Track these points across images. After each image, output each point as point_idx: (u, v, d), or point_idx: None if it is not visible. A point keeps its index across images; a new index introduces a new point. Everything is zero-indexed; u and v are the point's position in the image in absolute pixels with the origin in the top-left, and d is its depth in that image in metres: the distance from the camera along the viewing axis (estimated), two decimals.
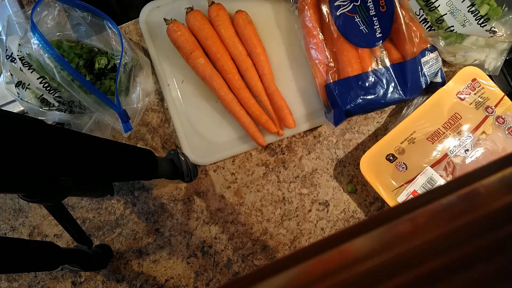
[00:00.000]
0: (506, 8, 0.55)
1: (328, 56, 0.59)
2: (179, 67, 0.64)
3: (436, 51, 0.59)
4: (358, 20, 0.56)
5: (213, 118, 0.63)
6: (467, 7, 0.54)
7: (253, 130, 0.60)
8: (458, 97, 0.59)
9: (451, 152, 0.57)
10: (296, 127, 0.61)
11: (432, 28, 0.57)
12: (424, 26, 0.58)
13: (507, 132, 0.58)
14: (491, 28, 0.53)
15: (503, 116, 0.58)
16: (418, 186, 0.57)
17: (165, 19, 0.61)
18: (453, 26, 0.55)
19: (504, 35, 0.56)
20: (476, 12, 0.53)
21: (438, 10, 0.55)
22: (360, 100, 0.57)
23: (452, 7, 0.55)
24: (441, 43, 0.59)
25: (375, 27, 0.56)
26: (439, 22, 0.56)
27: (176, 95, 0.64)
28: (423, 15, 0.58)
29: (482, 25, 0.54)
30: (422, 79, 0.58)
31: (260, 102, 0.61)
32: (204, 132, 0.63)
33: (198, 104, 0.64)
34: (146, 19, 0.65)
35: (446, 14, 0.55)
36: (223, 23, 0.61)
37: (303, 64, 0.64)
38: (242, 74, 0.61)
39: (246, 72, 0.60)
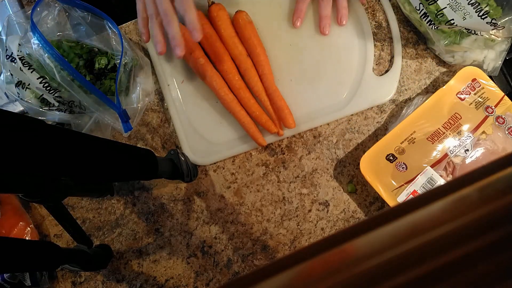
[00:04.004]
0: (506, 8, 0.55)
1: None
2: (179, 67, 0.64)
3: None
4: None
5: (213, 118, 0.63)
6: (467, 0, 0.54)
7: (253, 130, 0.60)
8: (458, 97, 0.59)
9: (451, 152, 0.57)
10: (296, 127, 0.61)
11: (433, 23, 0.57)
12: (424, 20, 0.58)
13: (507, 132, 0.58)
14: (492, 20, 0.53)
15: (503, 116, 0.58)
16: (418, 186, 0.57)
17: None
18: (453, 19, 0.55)
19: (502, 34, 0.56)
20: (477, 4, 0.53)
21: (437, 4, 0.55)
22: None
23: (452, 0, 0.55)
24: (440, 43, 0.59)
25: None
26: (439, 16, 0.56)
27: (176, 95, 0.64)
28: (423, 9, 0.58)
29: (483, 17, 0.54)
30: None
31: (260, 102, 0.61)
32: (204, 132, 0.63)
33: (198, 104, 0.64)
34: None
35: (445, 7, 0.55)
36: (223, 23, 0.61)
37: (303, 64, 0.64)
38: (242, 74, 0.61)
39: (246, 72, 0.60)
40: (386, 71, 0.64)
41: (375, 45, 0.64)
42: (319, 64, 0.64)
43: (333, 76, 0.63)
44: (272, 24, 0.65)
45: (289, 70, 0.64)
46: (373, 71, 0.63)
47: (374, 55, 0.64)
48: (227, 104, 0.60)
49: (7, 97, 0.58)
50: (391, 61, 0.65)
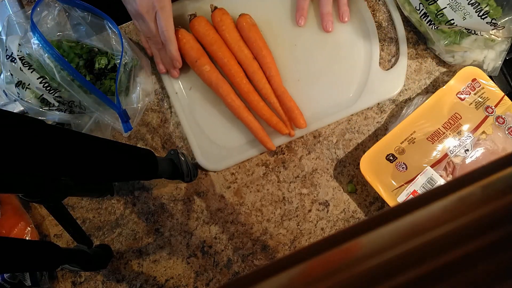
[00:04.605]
0: (506, 8, 0.55)
1: None
2: (186, 74, 0.64)
3: None
4: None
5: (223, 123, 0.63)
6: (467, 0, 0.54)
7: (261, 135, 0.60)
8: (458, 97, 0.59)
9: (451, 152, 0.57)
10: (306, 127, 0.61)
11: (433, 23, 0.57)
12: (424, 20, 0.58)
13: (507, 132, 0.58)
14: (492, 20, 0.53)
15: (503, 116, 0.58)
16: (418, 186, 0.57)
17: None
18: (453, 19, 0.55)
19: (502, 34, 0.56)
20: (477, 4, 0.53)
21: (437, 4, 0.55)
22: None
23: (452, 0, 0.55)
24: (440, 43, 0.59)
25: None
26: (439, 16, 0.56)
27: (185, 103, 0.63)
28: (423, 9, 0.58)
29: (483, 17, 0.54)
30: None
31: (270, 104, 0.61)
32: (215, 138, 0.62)
33: (207, 110, 0.63)
34: None
35: (445, 7, 0.55)
36: (227, 28, 0.61)
37: (309, 63, 0.64)
38: (250, 77, 0.61)
39: (254, 75, 0.60)
40: (383, 63, 0.64)
41: None
42: (325, 62, 0.64)
43: (340, 74, 0.63)
44: (276, 26, 0.65)
45: (296, 71, 0.63)
46: (379, 66, 0.63)
47: None
48: (235, 110, 0.60)
49: (6, 94, 0.58)
50: (390, 61, 0.65)
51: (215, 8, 0.62)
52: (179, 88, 0.64)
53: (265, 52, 0.61)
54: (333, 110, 0.62)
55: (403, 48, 0.63)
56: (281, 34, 0.64)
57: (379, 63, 0.64)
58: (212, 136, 0.62)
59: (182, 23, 0.63)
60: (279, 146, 0.63)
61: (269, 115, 0.60)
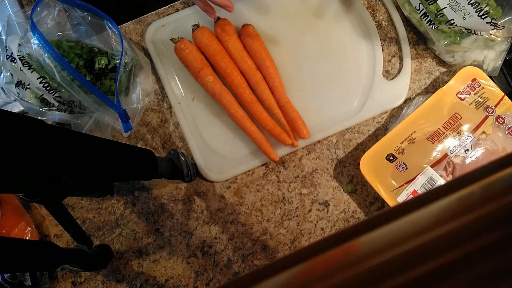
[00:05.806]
0: (506, 8, 0.55)
1: None
2: (189, 85, 0.64)
3: None
4: None
5: (226, 134, 0.63)
6: (467, 0, 0.54)
7: (265, 145, 0.60)
8: (458, 97, 0.59)
9: (451, 152, 0.57)
10: (309, 137, 0.60)
11: (433, 23, 0.57)
12: (424, 20, 0.58)
13: (507, 132, 0.58)
14: (492, 20, 0.53)
15: (503, 116, 0.58)
16: (418, 186, 0.57)
17: (171, 39, 0.61)
18: (453, 19, 0.55)
19: (502, 34, 0.56)
20: (477, 4, 0.53)
21: (437, 4, 0.55)
22: None
23: (452, 0, 0.55)
24: (440, 43, 0.59)
25: None
26: (439, 16, 0.56)
27: (188, 113, 0.63)
28: (423, 9, 0.58)
29: (483, 17, 0.54)
30: None
31: (273, 114, 0.61)
32: (218, 149, 0.62)
33: (210, 121, 0.63)
34: (152, 38, 0.65)
35: (445, 7, 0.55)
36: (230, 38, 0.60)
37: (312, 73, 0.63)
38: (253, 88, 0.61)
39: (257, 86, 0.60)
40: (387, 71, 0.64)
41: None
42: (329, 72, 0.63)
43: (343, 83, 0.63)
44: (279, 36, 0.64)
45: (299, 81, 0.63)
46: (383, 75, 0.63)
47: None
48: (238, 120, 0.60)
49: (4, 92, 0.57)
50: (390, 61, 0.65)
51: (218, 18, 0.61)
52: (182, 99, 0.63)
53: (268, 62, 0.60)
54: (337, 120, 0.62)
55: (407, 61, 0.63)
56: (284, 44, 0.64)
57: (383, 73, 0.64)
58: (215, 146, 0.62)
59: (184, 33, 0.62)
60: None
61: (272, 125, 0.60)
